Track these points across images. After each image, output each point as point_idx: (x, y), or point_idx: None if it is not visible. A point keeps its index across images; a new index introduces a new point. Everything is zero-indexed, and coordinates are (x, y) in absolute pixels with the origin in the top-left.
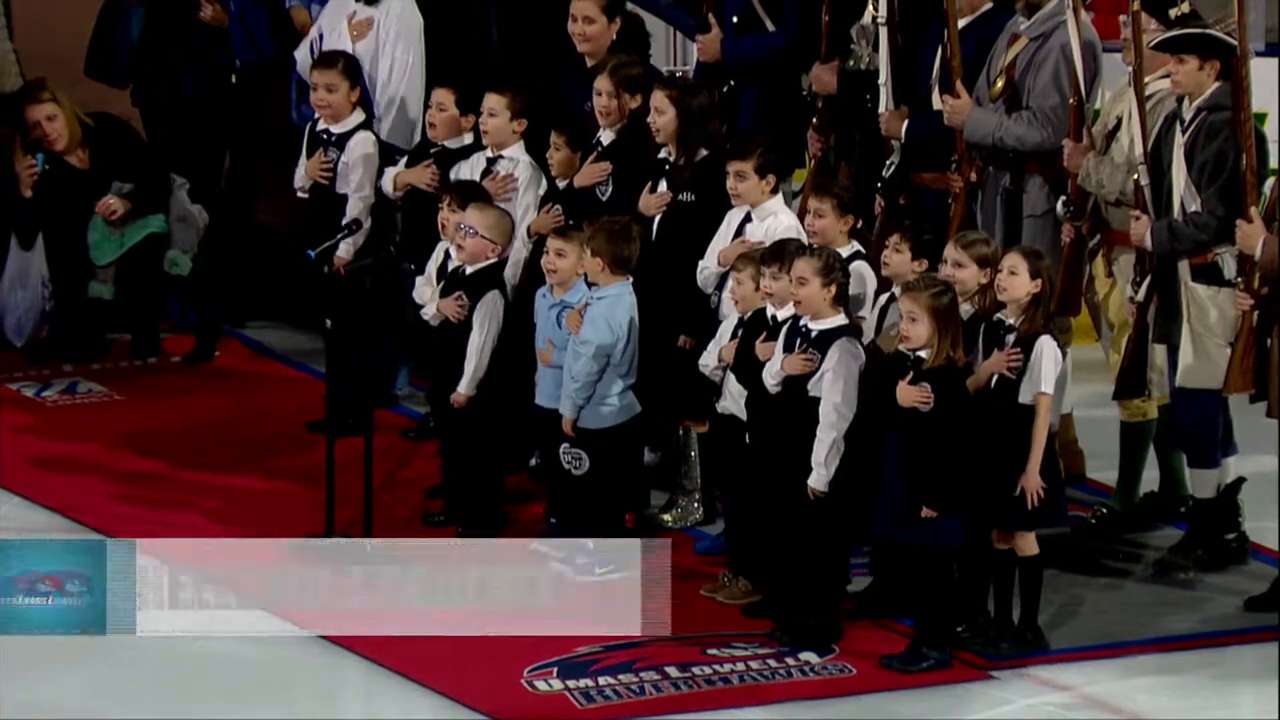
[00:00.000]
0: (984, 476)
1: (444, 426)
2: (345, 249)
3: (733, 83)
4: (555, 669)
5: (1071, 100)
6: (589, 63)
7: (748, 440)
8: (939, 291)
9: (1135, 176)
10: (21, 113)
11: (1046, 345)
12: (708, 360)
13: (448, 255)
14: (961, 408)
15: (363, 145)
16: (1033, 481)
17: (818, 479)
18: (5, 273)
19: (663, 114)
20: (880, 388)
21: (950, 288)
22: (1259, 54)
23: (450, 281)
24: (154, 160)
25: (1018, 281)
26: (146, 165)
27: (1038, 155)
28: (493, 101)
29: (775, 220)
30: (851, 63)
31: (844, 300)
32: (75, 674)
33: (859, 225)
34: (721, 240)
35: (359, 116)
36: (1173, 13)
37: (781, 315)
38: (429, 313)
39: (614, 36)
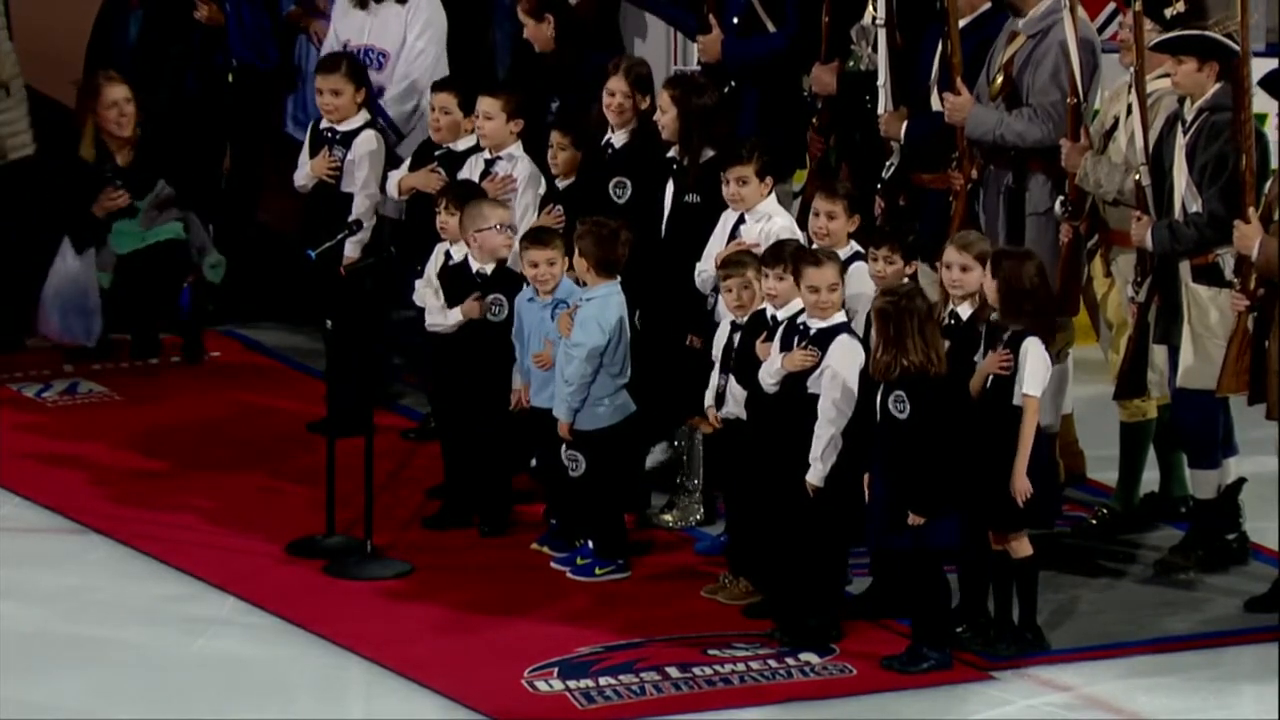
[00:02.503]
0: (979, 478)
1: (449, 428)
2: (352, 248)
3: (733, 83)
4: (556, 669)
5: (1070, 99)
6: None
7: (748, 440)
8: (892, 300)
9: (1136, 177)
10: (92, 95)
11: (1032, 347)
12: (709, 399)
13: (448, 257)
14: (939, 414)
15: (368, 143)
16: (1020, 484)
17: (815, 474)
18: (54, 275)
19: (665, 113)
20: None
21: (910, 297)
22: (1258, 54)
23: (465, 283)
24: (194, 157)
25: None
26: (186, 163)
27: (1039, 152)
28: (486, 105)
29: (770, 223)
30: (852, 64)
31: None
32: (75, 674)
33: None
34: (717, 243)
35: (364, 116)
36: (1168, 12)
37: (781, 315)
38: (454, 320)
39: (551, 31)
